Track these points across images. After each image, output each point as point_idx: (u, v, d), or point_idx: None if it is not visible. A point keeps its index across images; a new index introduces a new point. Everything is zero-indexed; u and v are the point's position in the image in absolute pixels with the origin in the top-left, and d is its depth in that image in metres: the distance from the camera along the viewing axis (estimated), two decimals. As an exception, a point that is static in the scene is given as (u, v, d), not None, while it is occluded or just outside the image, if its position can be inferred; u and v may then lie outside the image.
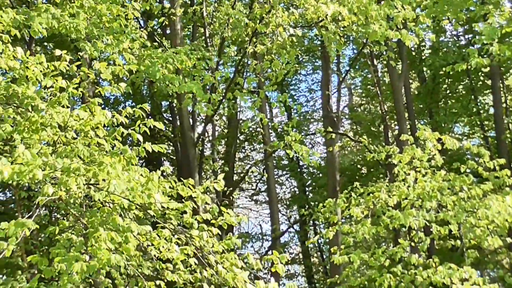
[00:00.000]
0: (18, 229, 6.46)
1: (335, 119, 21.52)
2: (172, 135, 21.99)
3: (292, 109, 29.99)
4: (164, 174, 9.09)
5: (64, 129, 8.51)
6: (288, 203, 33.05)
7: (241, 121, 27.26)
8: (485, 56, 12.91)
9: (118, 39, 12.41)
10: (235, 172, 27.17)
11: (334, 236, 12.59)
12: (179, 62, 12.67)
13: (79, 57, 15.49)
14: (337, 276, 12.73)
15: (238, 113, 25.14)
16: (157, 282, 10.93)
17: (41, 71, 8.65)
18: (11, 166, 6.53)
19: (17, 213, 17.98)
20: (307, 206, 28.31)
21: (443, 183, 11.57)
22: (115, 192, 7.45)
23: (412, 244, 11.92)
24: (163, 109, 24.86)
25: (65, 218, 14.83)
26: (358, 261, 11.20)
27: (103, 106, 23.54)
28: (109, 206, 8.46)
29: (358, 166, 30.02)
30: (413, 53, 25.93)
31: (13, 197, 19.58)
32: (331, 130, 18.58)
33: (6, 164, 6.53)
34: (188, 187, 8.84)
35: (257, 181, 33.00)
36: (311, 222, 29.37)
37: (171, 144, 23.10)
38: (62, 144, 8.53)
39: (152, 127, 8.40)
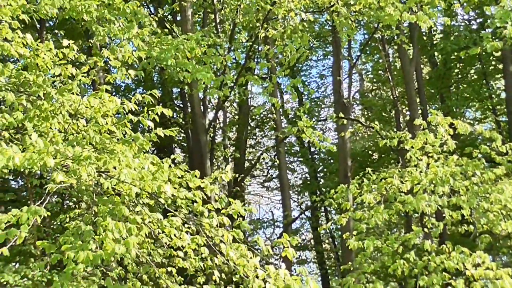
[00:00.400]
0: (30, 216, 6.46)
1: (347, 104, 21.41)
2: (183, 122, 21.98)
3: (303, 95, 29.94)
4: (176, 161, 9.07)
5: (74, 117, 8.51)
6: (299, 189, 33.04)
7: (252, 108, 27.25)
8: (497, 40, 12.77)
9: (130, 21, 12.35)
10: (246, 158, 27.13)
11: (346, 222, 12.54)
12: (190, 49, 12.60)
13: (90, 44, 15.49)
14: (350, 262, 12.69)
15: (249, 99, 25.11)
16: (169, 269, 10.96)
17: (51, 58, 8.65)
18: (22, 154, 6.53)
19: (29, 200, 18.04)
20: (318, 192, 28.30)
21: (455, 168, 11.49)
22: (125, 180, 7.45)
23: (425, 230, 11.86)
24: (174, 96, 24.84)
25: (77, 205, 14.85)
26: (372, 247, 11.14)
27: (114, 93, 23.68)
28: (119, 195, 8.47)
29: (370, 152, 29.95)
30: (424, 38, 25.80)
31: (25, 185, 19.65)
32: (342, 116, 18.51)
33: (17, 151, 6.52)
34: (196, 176, 8.82)
35: (268, 167, 33.01)
36: (323, 208, 29.38)
37: (183, 131, 23.10)
38: (73, 131, 8.53)
39: (162, 113, 8.39)
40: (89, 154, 7.10)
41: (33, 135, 6.94)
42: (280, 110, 24.47)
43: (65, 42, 8.75)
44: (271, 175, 33.30)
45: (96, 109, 8.16)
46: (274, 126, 25.46)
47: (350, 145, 22.73)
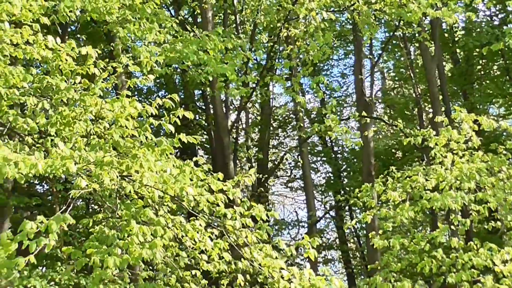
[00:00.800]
0: (58, 224, 6.49)
1: (369, 103, 21.32)
2: (206, 124, 22.00)
3: (325, 94, 29.85)
4: (198, 164, 9.08)
5: (97, 121, 8.53)
6: (323, 189, 32.96)
7: (274, 108, 27.22)
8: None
9: (151, 22, 12.35)
10: (269, 159, 27.13)
11: (371, 221, 12.49)
12: (212, 45, 12.57)
13: (111, 48, 15.55)
14: (377, 262, 12.64)
15: (271, 100, 25.10)
16: (193, 272, 10.96)
17: (73, 60, 8.68)
18: (44, 160, 6.55)
19: (54, 205, 18.14)
20: (342, 192, 28.21)
21: (481, 164, 11.40)
22: (148, 184, 7.47)
23: (452, 227, 11.79)
24: (196, 98, 24.86)
25: (101, 209, 14.90)
26: (398, 245, 11.10)
27: (136, 95, 23.74)
28: (142, 199, 8.49)
29: (393, 150, 29.83)
30: (446, 35, 25.64)
31: (50, 189, 19.77)
32: (365, 114, 18.45)
33: (39, 158, 6.54)
34: (219, 179, 8.82)
35: (292, 168, 32.97)
36: (347, 207, 29.31)
37: (205, 132, 23.12)
38: (96, 136, 8.55)
39: (185, 116, 8.39)
40: (111, 159, 7.12)
41: (60, 143, 6.97)
42: (303, 110, 24.40)
43: (83, 50, 8.77)
44: (295, 175, 33.25)
45: (117, 114, 8.18)
46: (297, 126, 25.39)
47: (373, 144, 22.64)
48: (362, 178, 21.07)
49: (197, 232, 8.61)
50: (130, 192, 7.91)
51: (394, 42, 26.01)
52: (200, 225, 8.66)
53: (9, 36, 8.55)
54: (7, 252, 6.26)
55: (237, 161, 23.53)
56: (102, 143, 7.91)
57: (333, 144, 31.45)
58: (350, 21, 21.56)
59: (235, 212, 8.67)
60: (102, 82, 8.57)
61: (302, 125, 24.37)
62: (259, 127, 28.00)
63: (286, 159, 29.19)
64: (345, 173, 31.13)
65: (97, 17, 11.40)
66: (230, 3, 18.62)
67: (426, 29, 20.72)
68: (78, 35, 22.09)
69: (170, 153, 8.10)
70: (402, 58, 27.19)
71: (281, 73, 19.22)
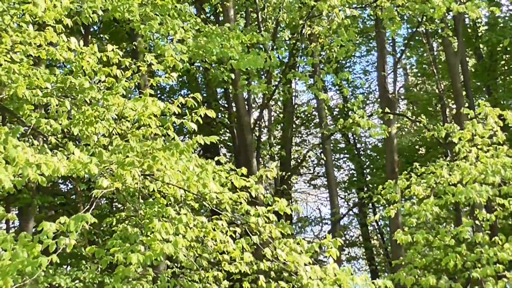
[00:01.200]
0: (77, 223, 6.53)
1: (392, 99, 21.23)
2: (229, 122, 22.01)
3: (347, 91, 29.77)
4: (220, 162, 9.09)
5: (120, 120, 8.58)
6: (346, 186, 32.91)
7: (296, 106, 27.20)
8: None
9: (173, 17, 12.35)
10: (292, 157, 27.09)
11: (395, 217, 12.46)
12: (235, 37, 12.56)
13: (134, 47, 15.61)
14: (401, 257, 12.61)
15: (293, 97, 25.07)
16: (216, 272, 10.99)
17: (95, 61, 8.73)
18: (66, 162, 6.60)
19: (78, 204, 18.25)
20: (365, 189, 28.13)
21: (506, 159, 11.32)
22: (170, 182, 7.51)
23: (476, 222, 11.74)
24: (219, 96, 24.90)
25: (124, 208, 14.98)
26: (422, 241, 11.06)
27: (158, 94, 23.82)
28: (164, 197, 8.53)
29: (416, 146, 29.71)
30: (469, 30, 25.50)
31: (74, 188, 19.90)
32: (388, 111, 18.39)
33: (61, 159, 6.60)
34: (242, 174, 8.83)
35: (315, 165, 32.92)
36: (370, 204, 29.24)
37: (228, 130, 23.15)
38: (118, 135, 8.60)
39: (206, 115, 8.39)
40: (132, 159, 7.16)
41: (76, 151, 7.02)
42: (325, 107, 24.39)
43: (110, 47, 8.83)
44: (318, 173, 33.20)
45: (139, 113, 8.21)
46: (320, 123, 25.34)
47: (396, 141, 22.56)
48: (386, 175, 21.00)
49: (220, 232, 8.62)
50: (153, 190, 7.95)
51: (416, 38, 25.89)
52: (222, 224, 8.69)
53: (32, 38, 8.61)
54: (31, 253, 6.31)
55: (260, 159, 23.52)
56: (123, 144, 7.94)
57: (356, 141, 31.40)
58: (373, 18, 21.49)
59: (257, 211, 8.68)
60: (126, 81, 8.62)
61: (326, 122, 24.34)
62: (282, 124, 27.99)
63: (309, 156, 29.14)
64: (368, 170, 31.06)
65: (120, 15, 11.45)
66: (252, 1, 18.63)
67: (449, 24, 20.60)
68: (101, 35, 22.21)
69: (193, 152, 8.11)
70: (425, 54, 27.07)
71: (303, 71, 19.18)
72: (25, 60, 8.73)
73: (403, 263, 12.17)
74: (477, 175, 11.01)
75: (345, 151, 31.66)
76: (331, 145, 28.58)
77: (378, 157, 29.94)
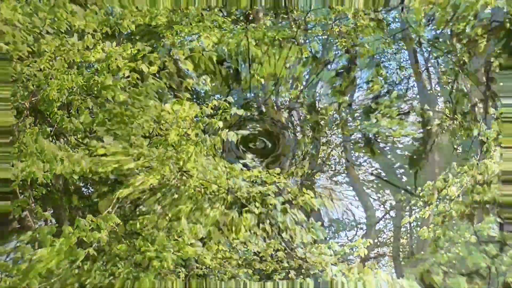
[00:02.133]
0: (106, 223, 6.70)
1: (430, 96, 21.11)
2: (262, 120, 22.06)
3: (383, 87, 29.58)
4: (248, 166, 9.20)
5: (159, 123, 8.69)
6: (375, 185, 32.66)
7: (319, 108, 27.22)
8: None
9: (199, 21, 12.46)
10: (319, 156, 27.08)
11: (428, 217, 12.48)
12: (261, 35, 12.60)
13: (162, 46, 15.73)
14: (422, 252, 12.60)
15: (316, 102, 25.07)
16: (245, 270, 11.08)
17: (123, 59, 8.86)
18: (89, 158, 6.76)
19: (100, 206, 18.36)
20: (403, 191, 27.92)
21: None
22: (204, 177, 7.63)
23: (499, 220, 11.71)
24: (249, 100, 24.93)
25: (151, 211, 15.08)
26: (442, 237, 11.07)
27: (194, 98, 23.99)
28: (199, 192, 8.62)
29: (455, 146, 29.45)
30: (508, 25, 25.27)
31: (97, 191, 20.01)
32: (427, 107, 18.32)
33: (83, 155, 6.76)
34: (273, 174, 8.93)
35: (336, 163, 32.78)
36: (408, 207, 29.05)
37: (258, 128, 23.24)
38: (157, 135, 8.73)
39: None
40: (171, 154, 7.30)
41: (106, 138, 7.15)
42: (343, 109, 24.38)
43: (139, 45, 8.96)
44: (338, 170, 33.03)
45: (179, 115, 8.33)
46: (340, 124, 25.30)
47: (437, 140, 22.40)
48: (425, 175, 20.88)
49: (248, 231, 8.68)
50: (189, 187, 8.06)
51: (444, 35, 25.71)
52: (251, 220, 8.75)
53: (71, 45, 8.77)
54: (67, 245, 6.49)
55: (295, 158, 23.53)
56: (162, 140, 8.08)
57: (377, 140, 31.19)
58: (398, 20, 21.47)
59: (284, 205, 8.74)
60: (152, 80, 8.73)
61: (343, 122, 24.29)
62: (309, 125, 27.98)
63: (332, 155, 29.10)
64: (401, 170, 30.82)
65: (149, 20, 11.61)
66: (280, 5, 18.68)
67: (480, 21, 20.47)
68: (132, 36, 22.40)
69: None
70: (454, 53, 26.88)
71: (336, 67, 19.22)
72: (62, 64, 8.87)
73: (423, 257, 12.17)
74: (500, 174, 10.99)
75: (364, 151, 31.46)
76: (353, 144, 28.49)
77: (415, 157, 29.73)
